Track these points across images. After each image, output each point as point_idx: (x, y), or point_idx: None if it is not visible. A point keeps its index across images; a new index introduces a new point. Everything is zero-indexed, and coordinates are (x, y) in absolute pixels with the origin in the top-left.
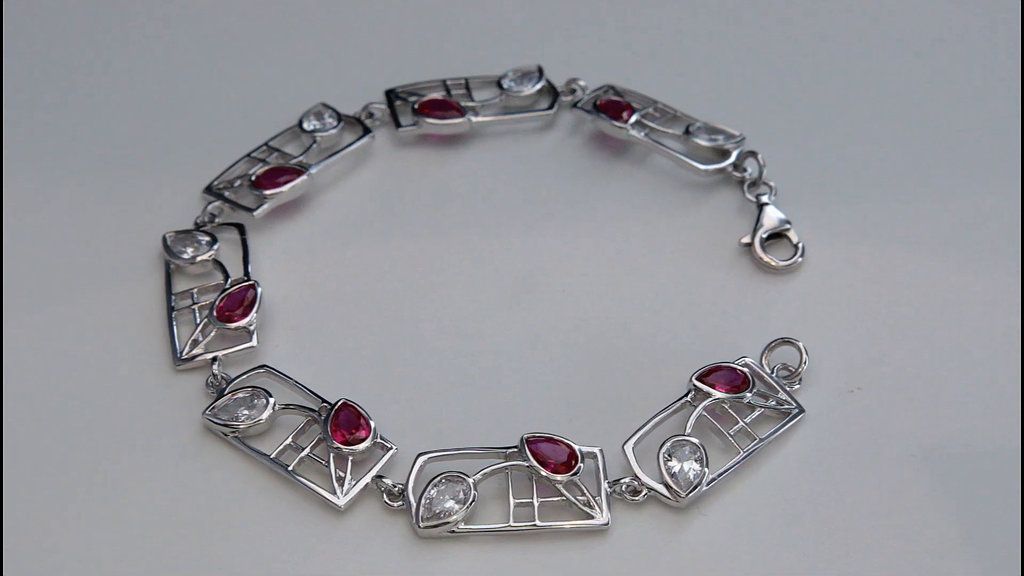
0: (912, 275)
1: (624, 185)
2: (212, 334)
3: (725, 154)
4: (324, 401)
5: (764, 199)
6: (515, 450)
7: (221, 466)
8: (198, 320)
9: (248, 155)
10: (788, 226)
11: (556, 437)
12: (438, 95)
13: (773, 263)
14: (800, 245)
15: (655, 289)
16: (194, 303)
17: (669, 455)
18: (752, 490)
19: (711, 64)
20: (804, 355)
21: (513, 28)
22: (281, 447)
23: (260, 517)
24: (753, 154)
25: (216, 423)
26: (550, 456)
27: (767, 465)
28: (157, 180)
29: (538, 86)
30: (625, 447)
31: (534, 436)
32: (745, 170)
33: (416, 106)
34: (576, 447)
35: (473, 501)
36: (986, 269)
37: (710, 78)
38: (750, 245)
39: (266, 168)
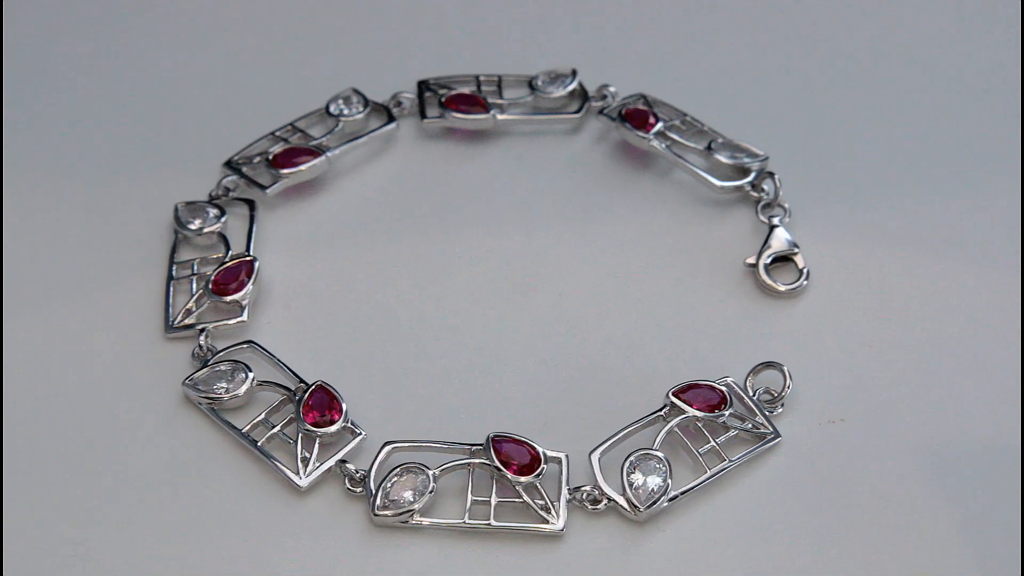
0: (918, 313)
1: (641, 196)
2: (205, 305)
3: (746, 172)
4: (302, 382)
5: (775, 221)
6: (480, 448)
7: (195, 435)
8: (194, 290)
9: (272, 133)
10: (796, 250)
11: (522, 439)
12: (468, 90)
13: (775, 286)
14: (805, 270)
15: (653, 302)
16: (193, 274)
17: (633, 467)
18: (716, 512)
19: (754, 81)
20: (788, 380)
21: (560, 30)
22: (253, 422)
23: (222, 489)
24: (770, 175)
25: (194, 392)
26: (513, 457)
27: (735, 488)
28: (185, 153)
29: (568, 89)
30: (591, 456)
31: (500, 436)
32: (763, 190)
33: (443, 99)
34: (541, 451)
35: (431, 493)
36: (994, 310)
37: (753, 95)
38: (754, 266)
39: (285, 147)
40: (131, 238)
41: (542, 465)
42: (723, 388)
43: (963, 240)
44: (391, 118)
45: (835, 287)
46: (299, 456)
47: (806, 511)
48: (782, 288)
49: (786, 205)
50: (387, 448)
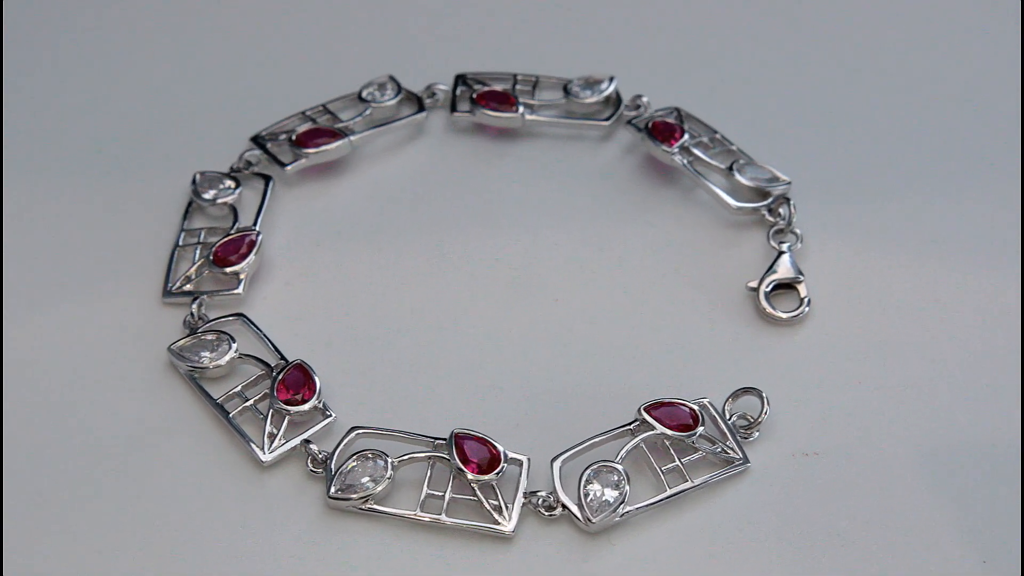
0: (915, 353)
1: (658, 211)
2: (205, 274)
3: (766, 196)
4: (283, 359)
5: (784, 247)
6: (443, 442)
7: (174, 401)
8: (196, 259)
9: (302, 112)
10: (800, 278)
11: (485, 438)
12: (501, 87)
13: (773, 313)
14: (807, 300)
15: (649, 317)
16: (199, 242)
17: (590, 478)
18: (672, 533)
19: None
20: (765, 406)
21: (611, 38)
22: (227, 393)
23: (190, 456)
24: (786, 200)
25: (177, 359)
26: (473, 455)
27: (695, 511)
28: (219, 128)
29: (603, 95)
30: (553, 462)
31: (464, 432)
32: (779, 215)
33: (475, 95)
34: (502, 451)
35: (388, 481)
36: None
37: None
38: (755, 291)
39: (310, 127)
40: (152, 204)
41: (502, 465)
42: (696, 408)
43: (970, 283)
44: (421, 108)
45: (835, 320)
46: (266, 431)
47: (764, 542)
48: (780, 315)
49: (798, 231)
50: (353, 433)
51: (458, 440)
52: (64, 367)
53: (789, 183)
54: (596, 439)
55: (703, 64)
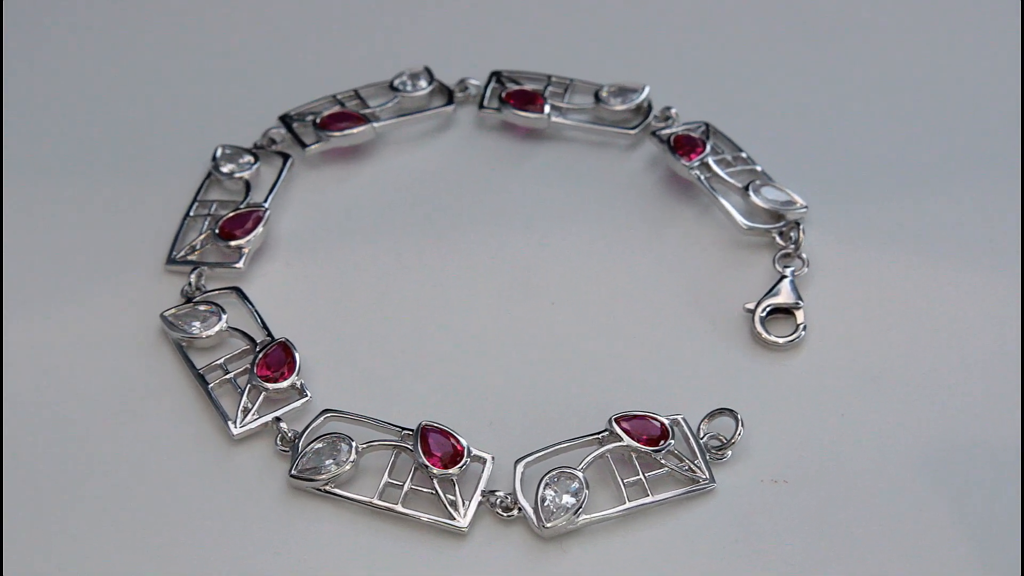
0: (904, 390)
1: (672, 225)
2: (208, 246)
3: (780, 218)
4: (269, 335)
5: (787, 272)
6: (410, 433)
7: (161, 367)
8: (203, 230)
9: (333, 96)
10: (799, 304)
11: (451, 432)
12: (533, 87)
13: (766, 336)
14: (802, 326)
15: (643, 331)
16: (209, 214)
17: (549, 483)
18: (627, 547)
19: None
20: (739, 428)
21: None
22: (209, 364)
23: (166, 424)
24: (796, 224)
25: (167, 327)
26: (436, 448)
27: (654, 527)
28: (257, 105)
29: (632, 104)
30: (517, 463)
31: (431, 425)
32: (790, 239)
33: (503, 94)
34: (466, 447)
35: (351, 466)
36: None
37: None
38: (752, 313)
39: (335, 110)
40: (178, 176)
41: (464, 461)
42: (667, 423)
43: (973, 323)
44: (450, 100)
45: (830, 349)
46: (241, 405)
47: (719, 565)
48: (774, 340)
49: (804, 256)
50: (324, 416)
51: (424, 432)
52: (58, 326)
53: (805, 208)
54: (563, 445)
55: (740, 81)
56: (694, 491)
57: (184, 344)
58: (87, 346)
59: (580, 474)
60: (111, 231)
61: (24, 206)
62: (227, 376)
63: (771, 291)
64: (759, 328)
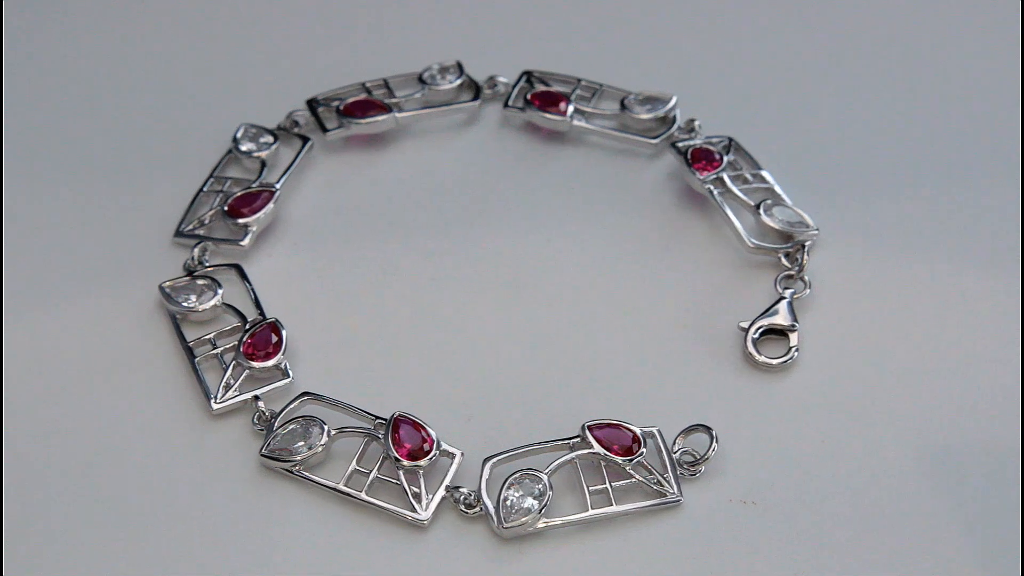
0: (889, 422)
1: (679, 239)
2: (216, 222)
3: (790, 239)
4: (261, 314)
5: (786, 294)
6: (382, 423)
7: (157, 334)
8: (214, 206)
9: (362, 83)
10: (794, 327)
11: (423, 425)
12: (560, 89)
13: (756, 356)
14: (794, 349)
15: (635, 341)
16: (222, 190)
17: (513, 483)
18: (586, 556)
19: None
20: (713, 445)
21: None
22: (199, 338)
23: (148, 393)
24: (801, 246)
25: (164, 299)
26: (406, 439)
27: (616, 538)
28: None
29: (656, 114)
30: (486, 461)
31: (404, 416)
32: (796, 261)
33: (529, 96)
34: (436, 440)
35: (322, 449)
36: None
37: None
38: (745, 332)
39: (360, 98)
40: (197, 153)
41: (432, 455)
42: (640, 435)
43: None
44: (477, 96)
45: (822, 373)
46: (223, 381)
47: None
48: (764, 360)
49: (807, 278)
50: (302, 398)
51: (396, 423)
52: (63, 294)
53: (816, 231)
54: (534, 447)
55: (774, 98)
56: (659, 505)
57: (179, 317)
58: (87, 312)
59: (545, 477)
60: (130, 203)
61: (51, 178)
62: (214, 351)
63: (767, 311)
64: (750, 348)
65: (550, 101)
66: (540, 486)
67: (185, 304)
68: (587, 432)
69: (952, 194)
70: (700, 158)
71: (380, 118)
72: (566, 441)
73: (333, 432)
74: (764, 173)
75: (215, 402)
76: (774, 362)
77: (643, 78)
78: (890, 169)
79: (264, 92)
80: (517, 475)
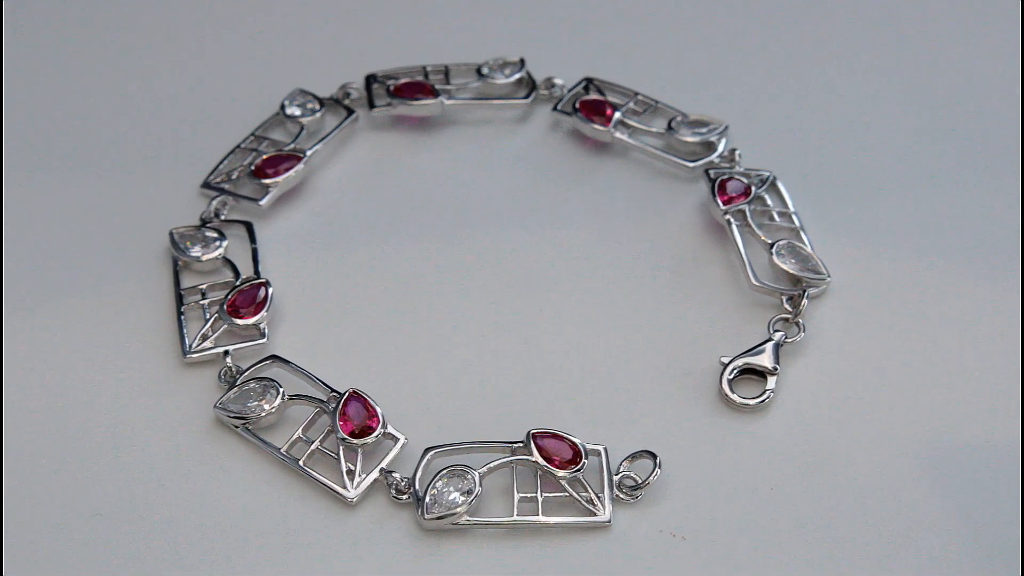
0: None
1: (691, 266)
2: (243, 179)
3: (798, 282)
4: (256, 273)
5: (776, 336)
6: (335, 396)
7: (159, 276)
8: (245, 163)
9: (423, 66)
10: (775, 370)
11: (374, 405)
12: (613, 100)
13: (728, 393)
14: (768, 392)
15: (617, 362)
16: (256, 149)
17: (443, 476)
18: (503, 561)
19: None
20: (655, 472)
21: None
22: (193, 286)
23: (128, 331)
24: (803, 292)
25: (171, 242)
26: (353, 416)
27: (537, 549)
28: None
29: (701, 139)
30: (427, 451)
31: (357, 393)
32: (797, 306)
33: (578, 102)
34: (380, 420)
35: (275, 412)
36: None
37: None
38: (724, 367)
39: (414, 80)
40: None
41: (375, 435)
42: (582, 450)
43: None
44: (530, 94)
45: (792, 422)
46: (200, 332)
47: None
48: (735, 399)
49: (801, 322)
50: (269, 360)
51: (349, 398)
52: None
53: (828, 279)
54: (476, 444)
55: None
56: (584, 524)
57: (181, 264)
58: (97, 251)
59: (476, 476)
60: (179, 152)
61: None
62: (202, 302)
63: (752, 350)
64: (724, 385)
65: (596, 110)
66: (469, 484)
67: (187, 253)
68: (530, 439)
69: (963, 265)
70: (727, 188)
71: (426, 102)
72: (508, 444)
73: (287, 398)
74: (794, 215)
75: (350, 490)
76: (747, 402)
77: (707, 104)
78: (914, 232)
79: (331, 64)
80: (450, 469)
